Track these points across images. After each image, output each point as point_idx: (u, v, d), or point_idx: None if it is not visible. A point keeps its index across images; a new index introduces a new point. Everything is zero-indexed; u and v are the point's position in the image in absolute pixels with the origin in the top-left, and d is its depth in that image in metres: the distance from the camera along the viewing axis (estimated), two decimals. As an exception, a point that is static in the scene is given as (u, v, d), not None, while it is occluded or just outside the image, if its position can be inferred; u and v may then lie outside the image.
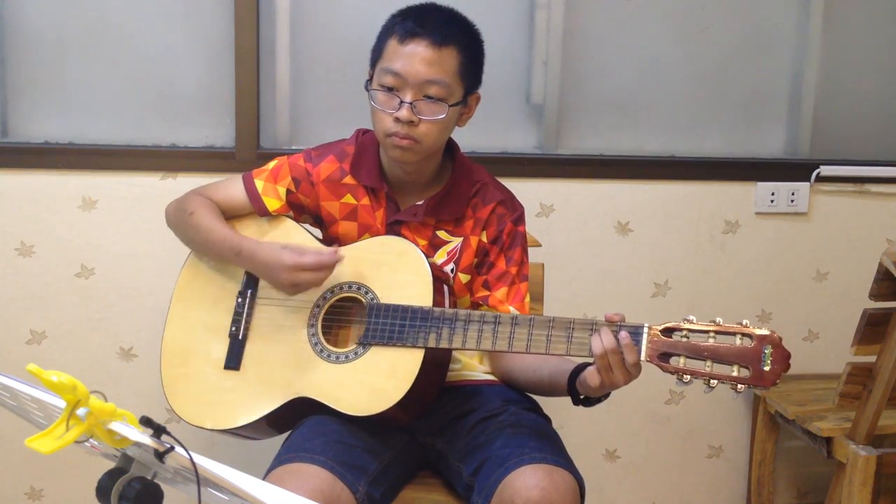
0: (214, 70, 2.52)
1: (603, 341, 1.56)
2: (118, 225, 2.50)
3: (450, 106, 1.75)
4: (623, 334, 1.56)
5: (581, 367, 1.65)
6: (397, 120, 1.74)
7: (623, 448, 2.78)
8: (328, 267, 1.74)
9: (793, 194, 2.72)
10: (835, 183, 2.75)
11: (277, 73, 2.53)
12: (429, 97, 1.74)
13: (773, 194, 2.71)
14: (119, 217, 2.49)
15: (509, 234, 1.88)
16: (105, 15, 2.47)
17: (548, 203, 2.62)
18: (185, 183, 2.35)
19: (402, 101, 1.73)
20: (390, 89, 1.75)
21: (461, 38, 1.78)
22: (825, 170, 2.72)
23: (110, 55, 2.49)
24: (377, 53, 1.81)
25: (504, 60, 2.62)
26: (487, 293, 1.86)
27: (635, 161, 2.67)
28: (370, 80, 1.80)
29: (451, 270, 1.86)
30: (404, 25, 1.75)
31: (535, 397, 1.91)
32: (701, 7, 2.68)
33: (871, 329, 2.16)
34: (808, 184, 2.73)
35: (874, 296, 2.16)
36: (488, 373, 1.93)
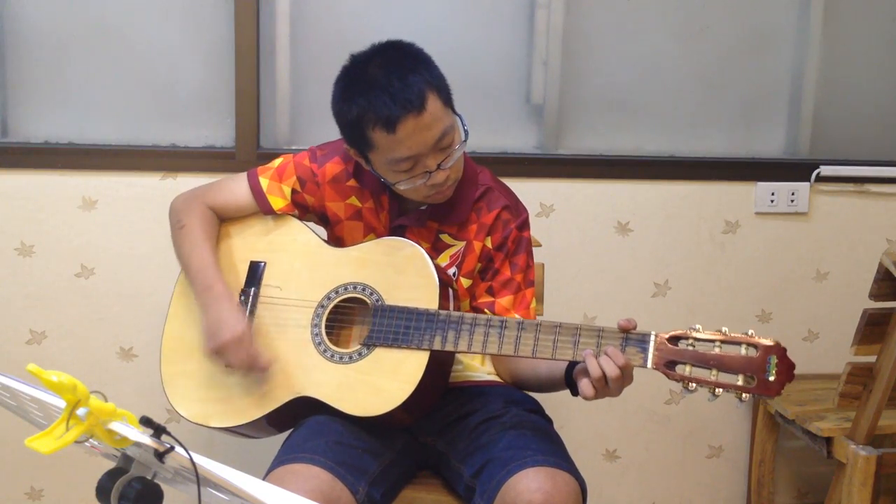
0: (214, 70, 2.52)
1: (604, 368, 1.55)
2: (118, 225, 2.50)
3: (462, 141, 1.74)
4: (622, 362, 1.55)
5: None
6: (434, 185, 1.73)
7: (623, 448, 2.78)
8: (254, 369, 1.75)
9: (793, 194, 2.72)
10: (835, 183, 2.75)
11: (277, 73, 2.53)
12: (444, 148, 1.72)
13: (773, 194, 2.71)
14: (119, 217, 2.49)
15: (514, 241, 1.87)
16: (105, 15, 2.48)
17: (548, 203, 2.62)
18: (185, 183, 2.35)
19: (427, 172, 1.71)
20: (409, 169, 1.72)
21: (426, 80, 1.70)
22: (825, 170, 2.72)
23: (110, 55, 2.49)
24: (362, 143, 1.73)
25: (504, 60, 2.62)
26: (492, 300, 1.85)
27: (635, 161, 2.67)
28: (366, 159, 1.76)
29: (454, 274, 1.86)
30: (379, 113, 1.66)
31: (538, 398, 1.91)
32: (701, 7, 2.68)
33: (871, 329, 2.16)
34: (808, 184, 2.73)
35: (874, 296, 2.16)
36: (490, 374, 1.93)
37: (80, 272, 2.51)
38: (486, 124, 2.58)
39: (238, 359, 1.74)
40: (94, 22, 2.48)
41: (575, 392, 1.65)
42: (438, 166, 1.71)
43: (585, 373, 1.58)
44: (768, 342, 1.54)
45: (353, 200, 1.88)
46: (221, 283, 1.80)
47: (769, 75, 2.75)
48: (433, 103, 1.69)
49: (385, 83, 1.67)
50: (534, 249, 1.98)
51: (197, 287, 1.82)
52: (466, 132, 1.75)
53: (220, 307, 1.77)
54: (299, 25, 2.53)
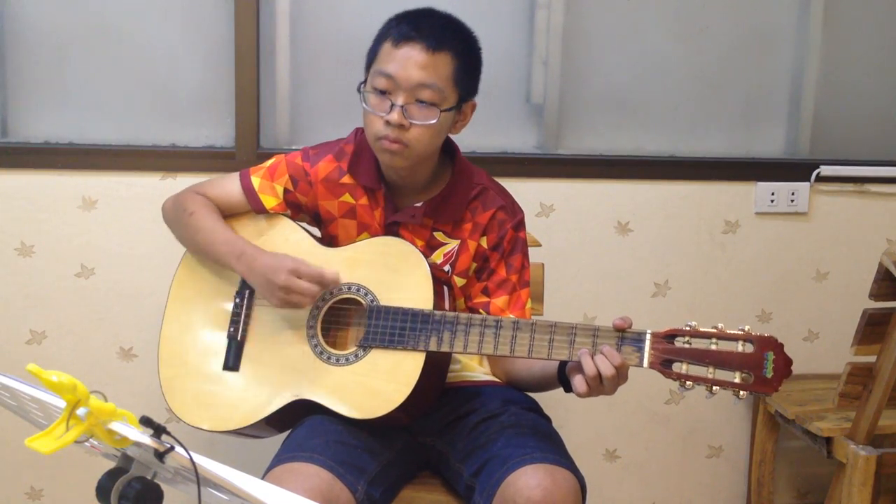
0: (214, 70, 2.52)
1: (599, 367, 1.56)
2: (118, 225, 2.50)
3: (442, 111, 1.74)
4: (618, 362, 1.56)
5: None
6: (388, 123, 1.72)
7: (623, 448, 2.78)
8: (325, 282, 1.74)
9: (793, 194, 2.72)
10: (835, 183, 2.75)
11: (277, 73, 2.53)
12: (421, 101, 1.73)
13: (773, 194, 2.71)
14: (119, 217, 2.49)
15: (510, 241, 1.87)
16: (105, 15, 2.48)
17: (548, 203, 2.62)
18: (185, 183, 2.34)
19: (393, 105, 1.72)
20: (382, 92, 1.74)
21: (456, 44, 1.76)
22: (825, 170, 2.72)
23: (110, 55, 2.49)
24: (372, 56, 1.80)
25: (504, 60, 2.62)
26: (487, 300, 1.85)
27: (635, 161, 2.67)
28: (364, 82, 1.80)
29: (448, 272, 1.86)
30: (399, 29, 1.74)
31: (535, 397, 1.91)
32: (701, 7, 2.68)
33: (871, 329, 2.16)
34: (808, 184, 2.73)
35: (874, 296, 2.16)
36: (488, 374, 1.93)
37: (80, 272, 2.51)
38: (486, 124, 2.58)
39: (305, 287, 1.73)
40: (94, 22, 2.48)
41: (568, 389, 1.66)
42: (402, 108, 1.71)
43: (579, 369, 1.59)
44: (765, 338, 1.53)
45: (347, 198, 1.88)
46: (251, 246, 1.82)
47: (769, 75, 2.75)
48: (445, 61, 1.73)
49: (426, 22, 1.75)
50: (534, 249, 1.98)
51: (230, 259, 1.82)
52: (441, 114, 1.74)
53: (261, 262, 1.77)
54: (299, 25, 2.53)
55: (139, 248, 2.50)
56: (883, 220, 2.79)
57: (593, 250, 2.67)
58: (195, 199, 1.90)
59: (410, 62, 1.72)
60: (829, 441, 2.33)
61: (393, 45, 1.73)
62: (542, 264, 2.25)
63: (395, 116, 1.72)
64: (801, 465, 2.87)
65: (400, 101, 1.72)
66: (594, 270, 2.68)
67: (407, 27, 1.74)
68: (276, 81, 2.54)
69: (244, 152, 2.50)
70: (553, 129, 2.66)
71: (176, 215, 1.92)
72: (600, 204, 2.65)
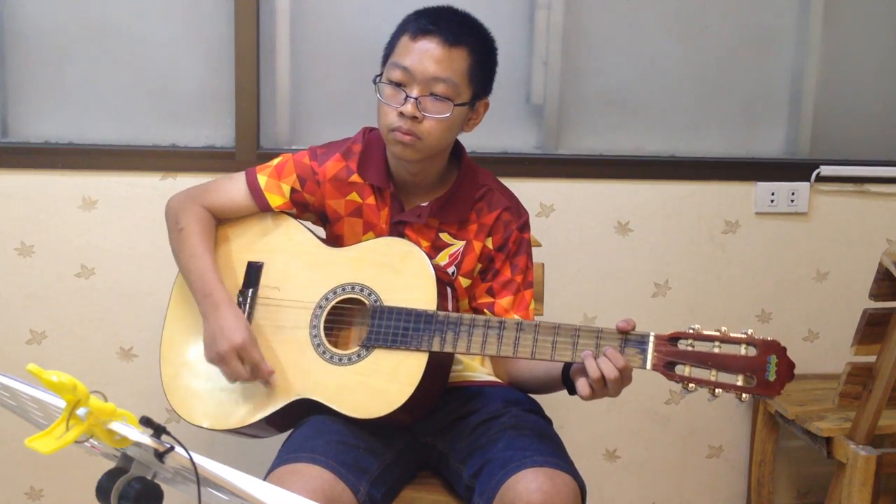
0: (214, 70, 2.52)
1: (602, 369, 1.56)
2: (118, 225, 2.50)
3: (455, 105, 1.75)
4: (621, 364, 1.56)
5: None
6: (401, 115, 1.73)
7: (623, 448, 2.78)
8: (258, 375, 1.74)
9: (793, 194, 2.72)
10: (835, 183, 2.75)
11: (277, 72, 2.53)
12: (435, 95, 1.74)
13: (773, 194, 2.71)
14: (119, 217, 2.49)
15: (515, 242, 1.88)
16: (105, 15, 2.48)
17: (548, 203, 2.62)
18: (185, 183, 2.35)
19: (407, 97, 1.73)
20: (398, 84, 1.75)
21: (473, 40, 1.78)
22: (825, 170, 2.72)
23: (110, 55, 2.49)
24: (389, 49, 1.81)
25: (504, 60, 2.59)
26: (492, 300, 1.86)
27: (635, 161, 2.67)
28: (380, 75, 1.80)
29: (452, 273, 1.86)
30: (418, 23, 1.76)
31: (537, 398, 1.91)
32: (701, 7, 2.68)
33: (871, 329, 2.16)
34: (808, 184, 2.73)
35: (874, 296, 2.16)
36: (490, 374, 1.93)
37: (80, 272, 2.51)
38: (487, 124, 2.55)
39: (237, 369, 1.74)
40: (94, 22, 2.48)
41: (572, 391, 1.66)
42: (416, 100, 1.72)
43: (583, 372, 1.59)
44: (768, 342, 1.54)
45: (354, 196, 1.88)
46: (221, 290, 1.80)
47: (769, 75, 2.75)
48: (461, 56, 1.75)
49: (444, 18, 1.77)
50: (534, 249, 1.98)
51: (197, 294, 1.81)
52: (454, 108, 1.75)
53: (220, 315, 1.76)
54: (299, 25, 2.53)
55: (139, 248, 2.50)
56: (883, 220, 2.79)
57: (593, 250, 2.67)
58: (191, 213, 1.88)
59: (427, 55, 1.73)
60: (829, 441, 2.33)
61: (410, 39, 1.75)
62: (543, 264, 2.25)
63: (408, 108, 1.73)
64: (801, 465, 2.87)
65: (414, 93, 1.73)
66: (594, 270, 2.68)
67: (425, 21, 1.75)
68: (276, 81, 2.54)
69: (244, 152, 2.49)
70: (553, 130, 2.66)
71: (169, 225, 1.92)
72: (600, 204, 2.65)
